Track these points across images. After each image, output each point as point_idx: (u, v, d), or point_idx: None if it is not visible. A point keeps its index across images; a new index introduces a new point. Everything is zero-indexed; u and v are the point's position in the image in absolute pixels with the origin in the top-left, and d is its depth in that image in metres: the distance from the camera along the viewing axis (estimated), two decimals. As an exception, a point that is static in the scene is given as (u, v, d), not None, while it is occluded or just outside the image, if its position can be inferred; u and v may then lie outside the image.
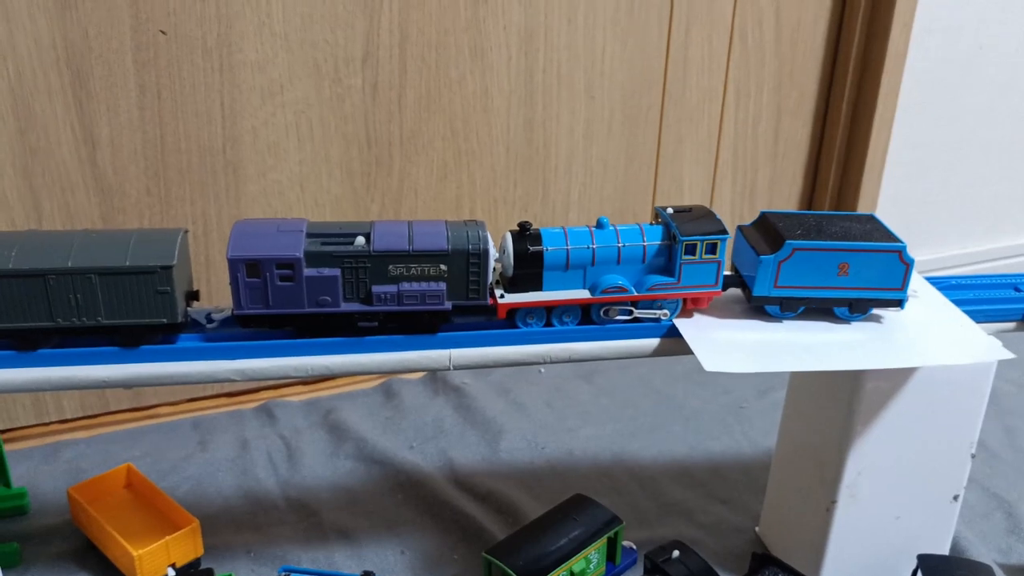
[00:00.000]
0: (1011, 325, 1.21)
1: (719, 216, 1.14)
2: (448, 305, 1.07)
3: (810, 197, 2.18)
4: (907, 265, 1.12)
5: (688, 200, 2.04)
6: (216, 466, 1.59)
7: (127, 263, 1.01)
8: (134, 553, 1.25)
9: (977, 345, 1.12)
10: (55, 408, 1.69)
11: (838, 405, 1.19)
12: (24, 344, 1.04)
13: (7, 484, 1.47)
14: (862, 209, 2.10)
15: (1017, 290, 1.26)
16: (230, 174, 1.61)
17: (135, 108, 1.51)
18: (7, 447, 1.61)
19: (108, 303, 1.02)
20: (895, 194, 2.16)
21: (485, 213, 1.84)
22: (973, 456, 1.22)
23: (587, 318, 1.13)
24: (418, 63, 1.67)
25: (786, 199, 2.15)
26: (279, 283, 1.04)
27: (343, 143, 1.67)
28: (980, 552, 1.39)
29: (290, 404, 1.77)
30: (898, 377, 1.15)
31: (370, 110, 1.67)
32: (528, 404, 1.79)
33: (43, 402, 1.67)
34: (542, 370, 1.91)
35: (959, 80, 2.12)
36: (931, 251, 2.30)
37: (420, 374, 1.87)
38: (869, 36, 1.99)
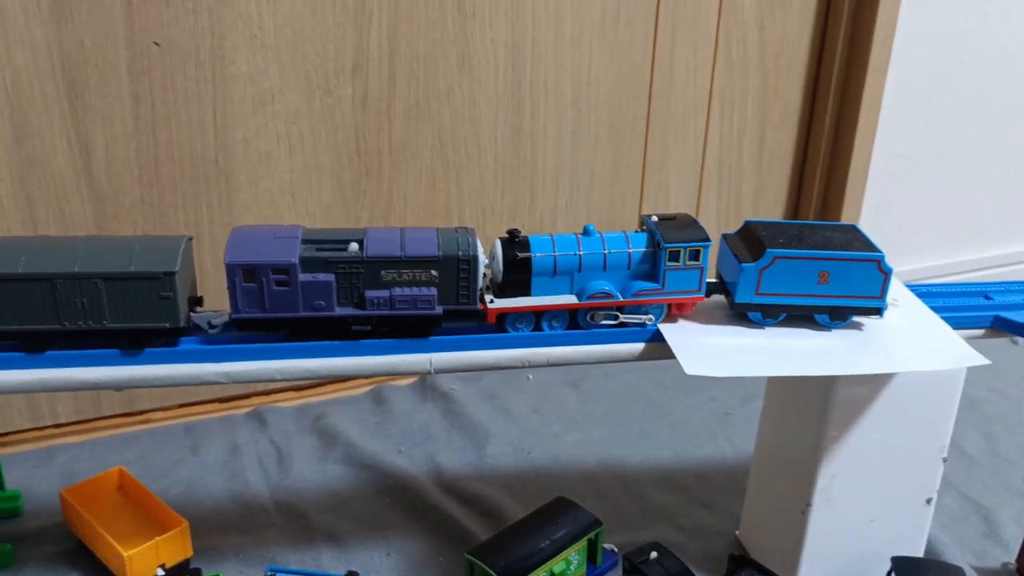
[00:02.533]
0: (980, 332, 1.24)
1: (702, 224, 1.17)
2: (439, 310, 1.10)
3: (795, 207, 2.21)
4: (885, 274, 1.15)
5: (674, 210, 2.07)
6: (207, 470, 1.61)
7: (132, 268, 1.05)
8: (124, 554, 1.27)
9: (953, 352, 1.15)
10: (50, 412, 1.71)
11: (812, 410, 1.21)
12: (32, 346, 1.07)
13: (1, 486, 1.49)
14: (846, 219, 2.13)
15: (987, 298, 1.29)
16: (222, 183, 1.64)
17: (129, 118, 1.54)
18: (2, 450, 1.64)
19: (113, 307, 1.05)
20: (878, 204, 2.19)
21: (473, 222, 1.87)
22: (945, 460, 1.25)
23: (574, 323, 1.16)
24: (407, 75, 1.70)
25: (771, 209, 2.18)
26: (275, 288, 1.07)
27: (333, 153, 1.71)
28: (955, 555, 1.41)
29: (281, 410, 1.79)
30: (870, 383, 1.18)
31: (360, 120, 1.70)
32: (515, 410, 1.81)
33: (38, 406, 1.70)
34: (530, 376, 1.94)
35: (940, 93, 2.16)
36: (914, 261, 2.33)
37: (409, 380, 1.90)
38: (851, 49, 2.02)
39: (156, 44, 1.51)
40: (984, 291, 1.30)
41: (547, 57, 1.81)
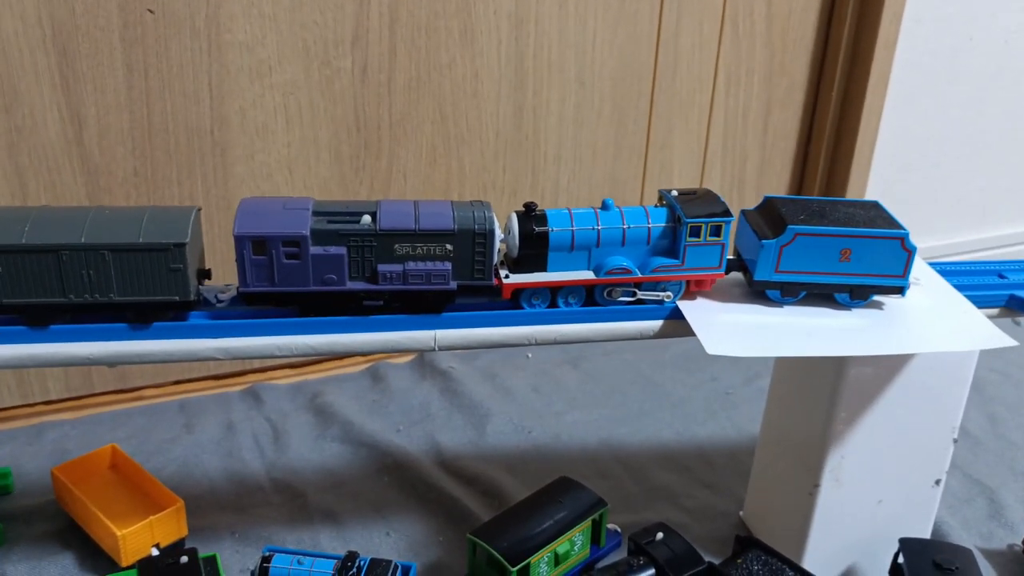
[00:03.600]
0: (995, 311, 1.22)
1: (723, 199, 1.14)
2: (453, 285, 1.07)
3: (799, 186, 2.19)
4: (909, 252, 1.13)
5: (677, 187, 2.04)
6: (202, 448, 1.58)
7: (140, 240, 1.01)
8: (118, 533, 1.25)
9: (978, 332, 1.12)
10: (40, 389, 1.68)
11: (822, 391, 1.19)
12: (36, 320, 1.03)
13: (-9, 464, 1.47)
14: (850, 197, 2.11)
15: (1001, 277, 1.27)
16: (218, 155, 1.61)
17: (122, 87, 1.50)
18: (-9, 427, 1.61)
19: (121, 280, 1.02)
20: (883, 183, 2.17)
21: (474, 198, 1.83)
22: (955, 441, 1.23)
23: (591, 299, 1.14)
24: (408, 46, 1.66)
25: (775, 188, 2.16)
26: (285, 261, 1.04)
27: (332, 125, 1.67)
28: (961, 537, 1.40)
29: (277, 387, 1.77)
30: (881, 363, 1.16)
31: (359, 93, 1.66)
32: (515, 389, 1.79)
33: (28, 383, 1.67)
34: (529, 355, 1.91)
35: (948, 71, 2.13)
36: (919, 241, 2.29)
37: (408, 358, 1.87)
38: (859, 26, 1.99)
39: (150, 11, 1.47)
40: (998, 270, 1.28)
41: (550, 31, 1.77)
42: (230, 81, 1.56)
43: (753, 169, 2.12)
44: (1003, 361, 1.93)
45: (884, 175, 2.16)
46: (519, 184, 1.87)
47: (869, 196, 2.15)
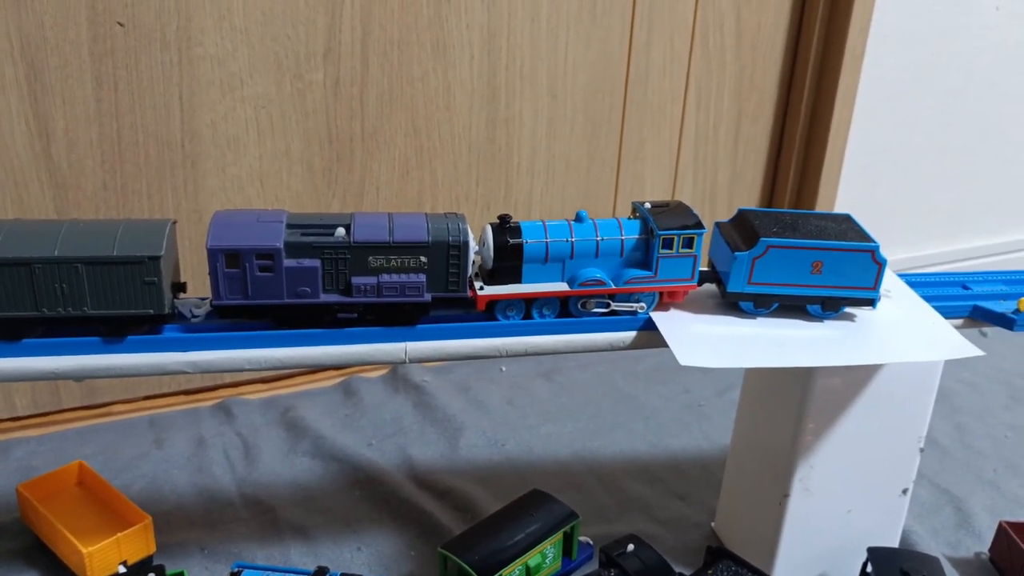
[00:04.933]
0: (959, 322, 1.24)
1: (696, 211, 1.15)
2: (428, 297, 1.08)
3: (769, 198, 2.21)
4: (880, 264, 1.14)
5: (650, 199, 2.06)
6: (171, 464, 1.57)
7: (114, 253, 1.01)
8: (84, 551, 1.23)
9: (946, 343, 1.14)
10: (6, 405, 1.65)
11: (790, 401, 1.20)
12: (7, 334, 1.02)
13: (-46, 481, 1.44)
14: (820, 208, 2.13)
15: (965, 288, 1.29)
16: (188, 168, 1.60)
17: (91, 100, 1.49)
18: (-45, 444, 1.58)
19: (95, 293, 1.02)
20: (852, 196, 2.20)
21: (447, 210, 1.83)
22: (921, 450, 1.25)
23: (565, 311, 1.14)
24: (380, 59, 1.67)
25: (746, 200, 2.18)
26: (258, 274, 1.04)
27: (304, 139, 1.67)
28: (929, 546, 1.42)
29: (248, 402, 1.75)
30: (849, 374, 1.17)
31: (331, 106, 1.66)
32: (488, 402, 1.79)
33: (-6, 399, 1.64)
34: (503, 368, 1.91)
35: (915, 85, 2.16)
36: (887, 253, 2.33)
37: (380, 372, 1.87)
38: (827, 40, 2.02)
39: (120, 24, 1.47)
40: (962, 281, 1.30)
41: (523, 44, 1.78)
42: (201, 94, 1.56)
43: (724, 181, 2.14)
44: (969, 371, 1.96)
45: (853, 187, 2.19)
46: (492, 196, 1.88)
47: (839, 207, 2.18)
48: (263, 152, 1.64)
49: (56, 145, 1.49)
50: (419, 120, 1.74)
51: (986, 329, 1.27)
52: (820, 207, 2.13)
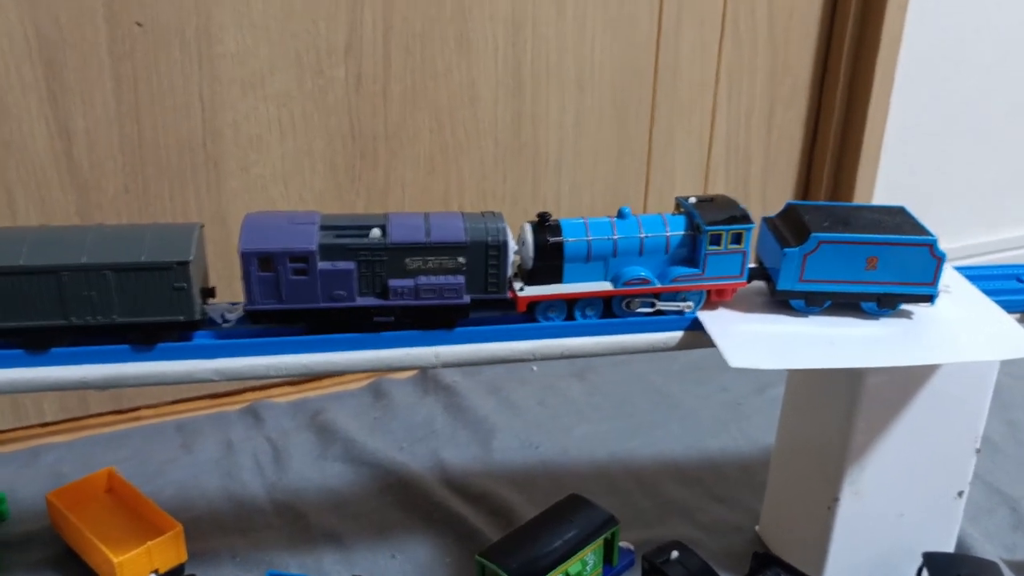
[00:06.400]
0: (1016, 317, 1.18)
1: (743, 206, 1.11)
2: (467, 299, 1.04)
3: (805, 188, 2.15)
4: (938, 259, 1.09)
5: (681, 192, 2.01)
6: (200, 469, 1.55)
7: (143, 259, 0.98)
8: (114, 560, 1.21)
9: (1012, 340, 1.09)
10: (35, 411, 1.64)
11: (839, 401, 1.15)
12: (35, 344, 1.00)
13: (-16, 490, 1.43)
14: (858, 199, 2.07)
15: (1020, 280, 1.23)
16: (211, 169, 1.57)
17: (111, 101, 1.46)
18: (-16, 452, 1.57)
19: (123, 300, 0.99)
20: (891, 184, 2.13)
21: (474, 208, 1.80)
22: (978, 451, 1.19)
23: (608, 311, 1.10)
24: (403, 54, 1.63)
25: (780, 190, 2.12)
26: (292, 277, 1.01)
27: (326, 136, 1.63)
28: (985, 549, 1.36)
29: (276, 405, 1.73)
30: (900, 371, 1.12)
31: (354, 103, 1.63)
32: (520, 403, 1.75)
33: (22, 405, 1.63)
34: (535, 368, 1.87)
35: (955, 66, 2.09)
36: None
37: (409, 373, 1.84)
38: (863, 20, 1.95)
39: (138, 24, 1.44)
40: (1017, 273, 1.24)
41: (548, 36, 1.74)
42: (222, 93, 1.53)
43: (758, 171, 2.08)
44: (1019, 365, 1.87)
45: (892, 174, 2.12)
46: (519, 192, 1.84)
47: (877, 195, 2.11)
48: (285, 151, 1.61)
49: (77, 147, 1.47)
50: (443, 116, 1.70)
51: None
52: (858, 195, 2.07)
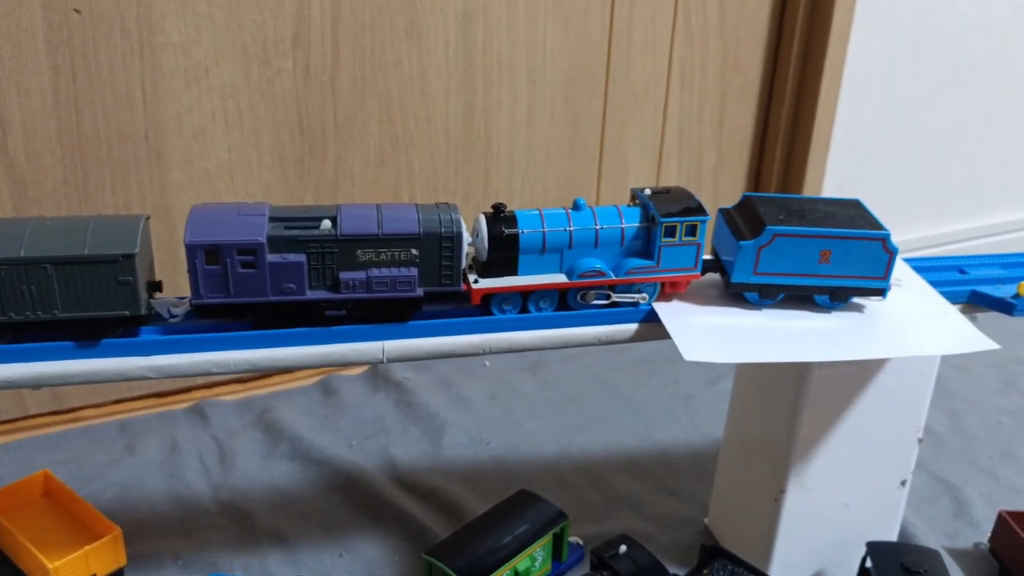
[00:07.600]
0: (958, 307, 1.19)
1: (698, 197, 1.10)
2: (420, 292, 1.02)
3: (756, 180, 2.17)
4: (891, 254, 1.09)
5: (634, 185, 2.01)
6: (143, 470, 1.51)
7: (85, 251, 0.95)
8: (49, 565, 1.17)
9: (959, 335, 1.10)
10: (-31, 413, 1.59)
11: (786, 394, 1.16)
12: None
13: (-87, 495, 1.37)
14: (808, 191, 2.09)
15: (962, 272, 1.25)
16: (153, 162, 1.53)
17: (48, 92, 1.42)
18: (-86, 455, 1.52)
19: (65, 295, 0.95)
20: (840, 178, 2.16)
21: (425, 201, 1.78)
22: (920, 441, 1.21)
23: (563, 303, 1.09)
24: (352, 45, 1.60)
25: (732, 183, 2.13)
26: (240, 270, 0.98)
27: (274, 129, 1.60)
28: (927, 537, 1.38)
29: (223, 404, 1.69)
30: (847, 364, 1.13)
31: (302, 94, 1.60)
32: (472, 398, 1.74)
33: (-44, 407, 1.58)
34: (487, 363, 1.86)
35: (902, 64, 2.12)
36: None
37: (360, 369, 1.81)
38: (812, 17, 1.97)
39: (76, 11, 1.39)
40: (958, 265, 1.25)
41: (500, 28, 1.72)
42: (164, 84, 1.49)
43: (709, 165, 2.09)
44: (962, 357, 1.91)
45: (840, 168, 2.15)
46: (471, 186, 1.82)
47: (826, 188, 2.14)
48: (231, 144, 1.58)
49: (12, 139, 1.42)
50: (394, 108, 1.68)
51: (976, 315, 1.23)
52: (808, 188, 2.09)
